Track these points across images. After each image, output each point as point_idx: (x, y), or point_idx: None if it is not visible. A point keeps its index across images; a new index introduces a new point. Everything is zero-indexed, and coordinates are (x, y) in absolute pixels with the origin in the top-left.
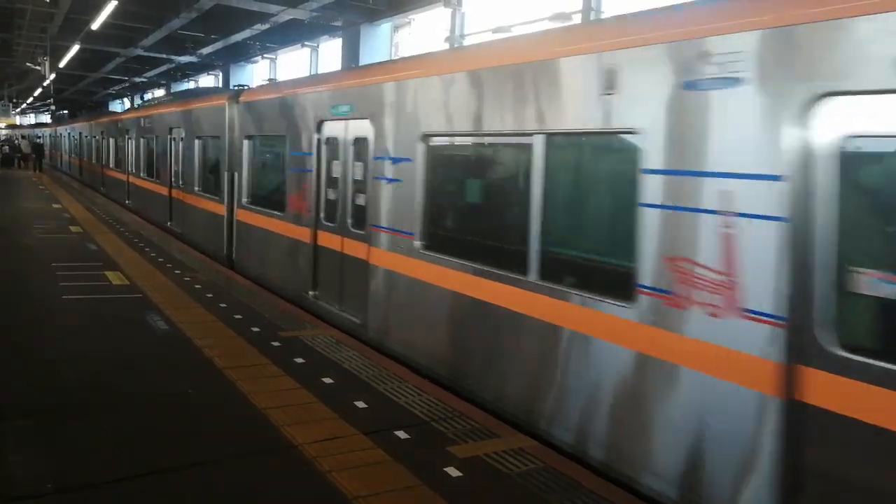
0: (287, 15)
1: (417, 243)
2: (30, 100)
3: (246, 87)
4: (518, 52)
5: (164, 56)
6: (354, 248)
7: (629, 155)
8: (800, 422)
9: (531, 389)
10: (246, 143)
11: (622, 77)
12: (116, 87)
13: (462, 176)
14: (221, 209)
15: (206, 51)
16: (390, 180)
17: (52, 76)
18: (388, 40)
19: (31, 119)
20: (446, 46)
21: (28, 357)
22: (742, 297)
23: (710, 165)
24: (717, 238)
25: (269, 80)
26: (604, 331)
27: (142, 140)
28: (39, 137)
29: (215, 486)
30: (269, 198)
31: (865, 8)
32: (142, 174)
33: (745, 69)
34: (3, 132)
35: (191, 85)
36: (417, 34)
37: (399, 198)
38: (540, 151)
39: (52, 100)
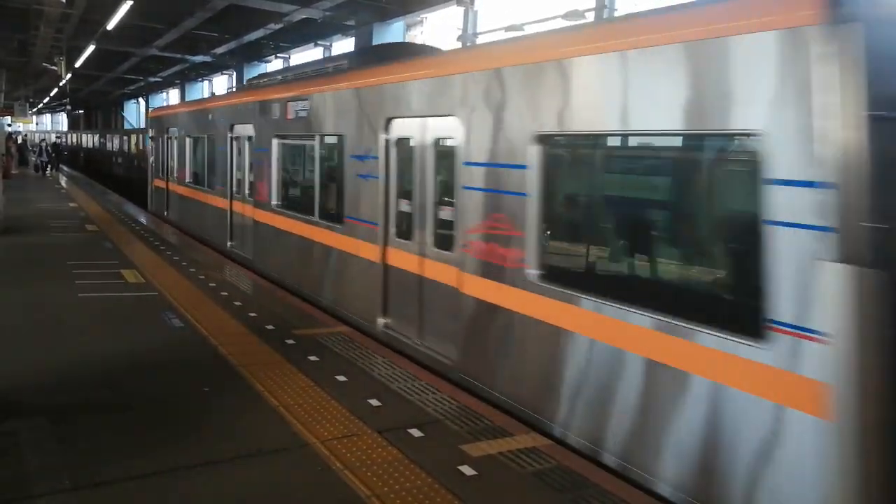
0: (300, 14)
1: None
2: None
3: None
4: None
5: (179, 56)
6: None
7: None
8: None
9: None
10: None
11: None
12: (131, 87)
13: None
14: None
15: (219, 50)
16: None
17: (68, 76)
18: (400, 39)
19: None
20: (459, 45)
21: (44, 354)
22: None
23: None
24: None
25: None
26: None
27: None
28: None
29: (230, 484)
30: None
31: None
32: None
33: None
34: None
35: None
36: (430, 33)
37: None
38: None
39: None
